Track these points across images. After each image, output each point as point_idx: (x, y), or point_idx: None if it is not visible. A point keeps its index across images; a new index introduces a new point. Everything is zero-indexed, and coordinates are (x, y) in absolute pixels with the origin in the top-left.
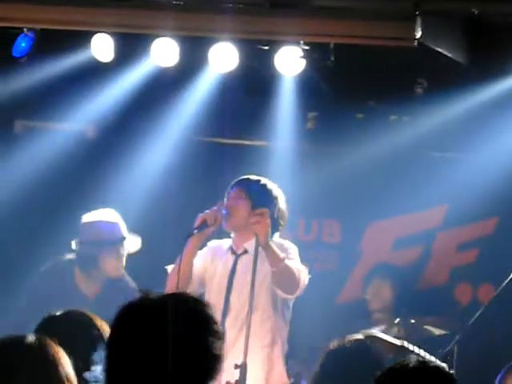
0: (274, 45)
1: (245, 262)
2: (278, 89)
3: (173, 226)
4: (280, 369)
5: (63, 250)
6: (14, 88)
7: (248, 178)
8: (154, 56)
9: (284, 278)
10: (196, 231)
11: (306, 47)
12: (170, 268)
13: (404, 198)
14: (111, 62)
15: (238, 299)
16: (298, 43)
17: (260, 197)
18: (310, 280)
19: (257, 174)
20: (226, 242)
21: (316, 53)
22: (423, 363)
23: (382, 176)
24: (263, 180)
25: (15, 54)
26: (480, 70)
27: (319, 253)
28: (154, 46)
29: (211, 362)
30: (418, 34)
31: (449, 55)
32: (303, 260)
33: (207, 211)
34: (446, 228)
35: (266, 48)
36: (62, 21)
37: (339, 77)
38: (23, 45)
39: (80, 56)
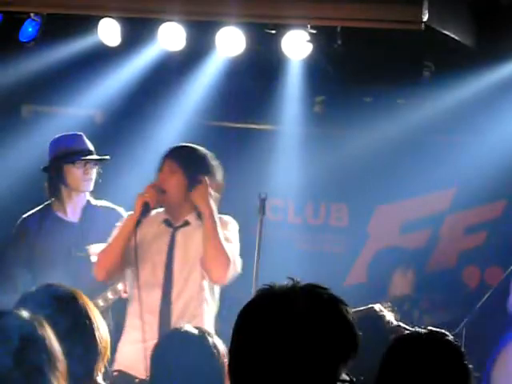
0: (281, 29)
1: (186, 235)
2: (285, 73)
3: None
4: None
5: None
6: (21, 73)
7: (179, 147)
8: (161, 40)
9: (215, 259)
10: (141, 218)
11: (313, 31)
12: (96, 247)
13: (412, 182)
14: (118, 46)
15: (181, 273)
16: (304, 27)
17: (194, 166)
18: (317, 262)
19: (264, 159)
20: (154, 214)
21: (323, 36)
22: (436, 333)
23: (389, 159)
24: (195, 147)
25: (22, 38)
26: (487, 52)
27: (327, 236)
28: (160, 31)
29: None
30: (425, 17)
31: (456, 38)
32: (311, 242)
33: (145, 192)
34: (453, 211)
35: (273, 32)
36: (68, 5)
37: (346, 60)
38: (30, 29)
39: (87, 40)
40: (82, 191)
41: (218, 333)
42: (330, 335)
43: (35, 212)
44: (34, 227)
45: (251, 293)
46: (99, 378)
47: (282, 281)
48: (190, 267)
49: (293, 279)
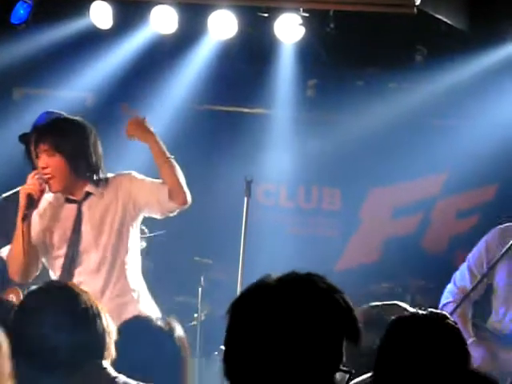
0: (274, 12)
1: (91, 205)
2: (278, 56)
3: None
4: None
5: None
6: (13, 55)
7: (44, 125)
8: (153, 23)
9: (176, 181)
10: (27, 212)
11: (306, 14)
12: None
13: (404, 166)
14: (110, 29)
15: (97, 244)
16: (297, 10)
17: (66, 139)
18: (309, 246)
19: (256, 143)
20: (50, 198)
21: (315, 20)
22: (435, 314)
23: (381, 143)
24: (60, 119)
25: (14, 20)
26: (480, 37)
27: (319, 220)
28: (153, 13)
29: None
30: (418, 1)
31: (449, 22)
32: (303, 226)
33: (27, 184)
34: (445, 196)
35: (266, 15)
36: None
37: (339, 44)
38: (22, 12)
39: (79, 23)
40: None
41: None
42: (327, 324)
43: (14, 191)
44: (9, 207)
45: (238, 275)
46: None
47: (273, 263)
48: (107, 239)
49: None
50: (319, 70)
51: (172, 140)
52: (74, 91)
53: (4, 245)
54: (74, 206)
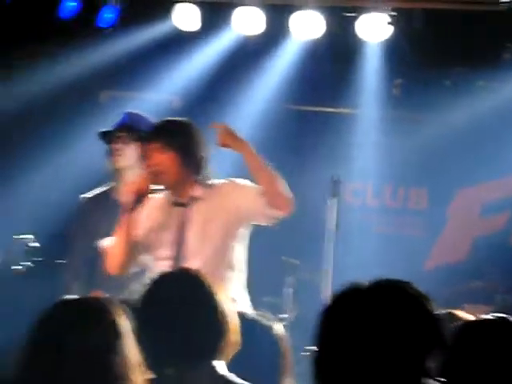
0: (360, 11)
1: (196, 210)
2: (364, 56)
3: None
4: None
5: None
6: (99, 58)
7: (158, 125)
8: (239, 25)
9: (275, 188)
10: (133, 207)
11: (393, 13)
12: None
13: (491, 164)
14: (196, 31)
15: (200, 250)
16: (384, 9)
17: (178, 137)
18: (395, 245)
19: (343, 142)
20: (159, 200)
21: (402, 19)
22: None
23: (469, 142)
24: (172, 120)
25: (100, 24)
26: None
27: (406, 219)
28: (238, 15)
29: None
30: None
31: None
32: (389, 225)
33: (135, 181)
34: None
35: (352, 15)
36: None
37: (426, 43)
38: (108, 15)
39: (165, 26)
40: (114, 168)
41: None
42: (417, 331)
43: (96, 193)
44: (89, 208)
45: (325, 275)
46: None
47: (360, 263)
48: (210, 244)
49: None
50: (405, 69)
51: (258, 141)
52: (160, 93)
53: (85, 244)
54: (180, 210)
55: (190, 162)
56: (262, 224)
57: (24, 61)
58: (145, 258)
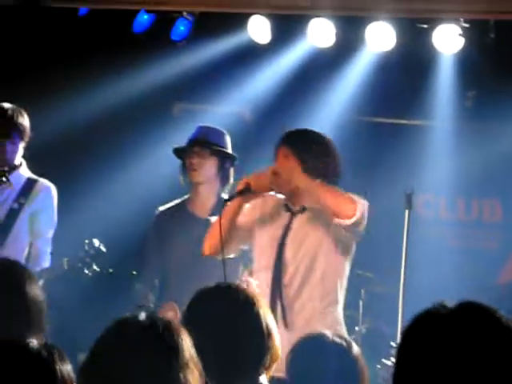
0: (433, 23)
1: (302, 220)
2: (437, 67)
3: None
4: None
5: None
6: (173, 71)
7: (292, 132)
8: (311, 37)
9: (336, 198)
10: (237, 195)
11: (466, 25)
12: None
13: None
14: (268, 43)
15: (294, 259)
16: (457, 21)
17: (307, 149)
18: (469, 259)
19: (416, 154)
20: (274, 198)
21: (475, 30)
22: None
23: None
24: (308, 130)
25: (174, 37)
26: None
27: (479, 232)
28: (310, 27)
29: None
30: None
31: None
32: (463, 238)
33: (252, 174)
34: None
35: (425, 26)
36: (220, 3)
37: (499, 54)
38: (182, 28)
39: (237, 38)
40: (191, 182)
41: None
42: (503, 357)
43: (171, 205)
44: (165, 220)
45: (398, 288)
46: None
47: (434, 276)
48: (305, 254)
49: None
50: (479, 81)
51: None
52: (232, 106)
53: (160, 256)
54: (288, 216)
55: (313, 171)
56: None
57: (97, 74)
58: (240, 247)
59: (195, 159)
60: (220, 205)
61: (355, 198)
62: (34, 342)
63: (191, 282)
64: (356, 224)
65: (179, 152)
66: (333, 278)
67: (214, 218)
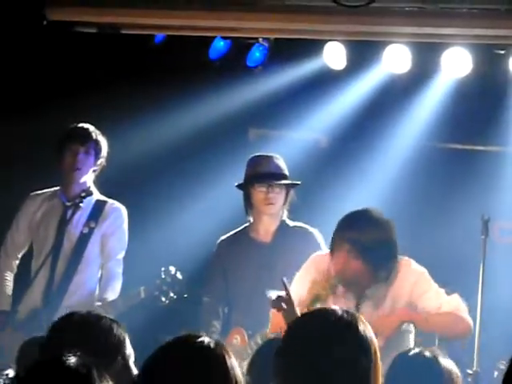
0: (510, 48)
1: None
2: None
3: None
4: None
5: None
6: (249, 96)
7: (352, 220)
8: (386, 63)
9: (447, 327)
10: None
11: None
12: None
13: None
14: (343, 69)
15: None
16: None
17: (373, 248)
18: None
19: (491, 180)
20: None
21: None
22: None
23: None
24: (371, 218)
25: (250, 63)
26: None
27: None
28: (386, 53)
29: None
30: None
31: None
32: None
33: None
34: None
35: (502, 52)
36: (294, 30)
37: None
38: (257, 54)
39: (312, 64)
40: (264, 214)
41: None
42: None
43: (232, 233)
44: (228, 248)
45: (476, 315)
46: None
47: (509, 303)
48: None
49: None
50: None
51: (406, 179)
52: (308, 132)
53: (224, 284)
54: (353, 302)
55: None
56: None
57: (173, 100)
58: None
59: (271, 194)
60: (282, 229)
61: (463, 310)
62: (71, 359)
63: (256, 307)
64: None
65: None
66: None
67: (277, 243)
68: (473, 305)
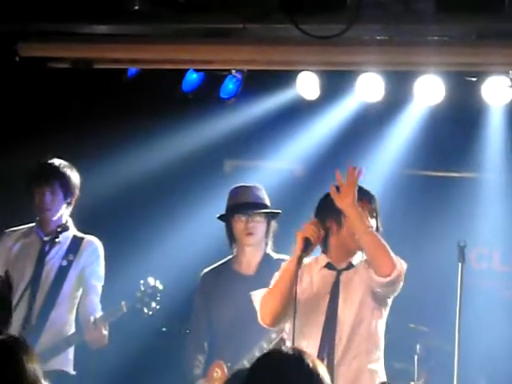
0: (481, 75)
1: (349, 278)
2: (486, 120)
3: None
4: None
5: None
6: (223, 128)
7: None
8: (360, 91)
9: (374, 249)
10: (302, 254)
11: None
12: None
13: None
14: (317, 99)
15: (347, 316)
16: (506, 73)
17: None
18: None
19: (467, 207)
20: (314, 260)
21: None
22: None
23: None
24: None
25: (223, 95)
26: None
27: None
28: (359, 82)
29: None
30: None
31: None
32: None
33: (306, 228)
34: None
35: (473, 79)
36: (266, 62)
37: None
38: (231, 86)
39: (286, 94)
40: (246, 245)
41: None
42: None
43: (216, 266)
44: (211, 281)
45: (454, 342)
46: None
47: (490, 331)
48: (356, 312)
49: None
50: None
51: (382, 206)
52: (284, 162)
53: (208, 317)
54: (332, 273)
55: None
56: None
57: (147, 133)
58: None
59: (251, 223)
60: (266, 261)
61: (396, 258)
62: None
63: (236, 340)
64: (390, 283)
65: (224, 217)
66: (378, 334)
67: (260, 275)
68: (451, 332)
